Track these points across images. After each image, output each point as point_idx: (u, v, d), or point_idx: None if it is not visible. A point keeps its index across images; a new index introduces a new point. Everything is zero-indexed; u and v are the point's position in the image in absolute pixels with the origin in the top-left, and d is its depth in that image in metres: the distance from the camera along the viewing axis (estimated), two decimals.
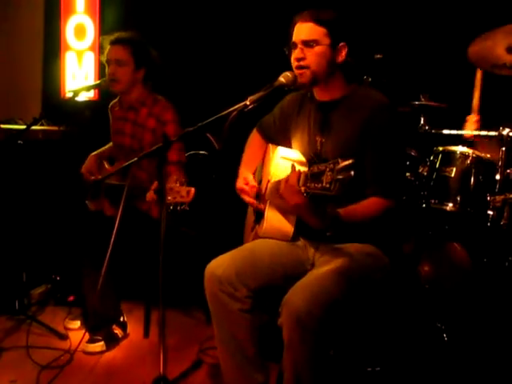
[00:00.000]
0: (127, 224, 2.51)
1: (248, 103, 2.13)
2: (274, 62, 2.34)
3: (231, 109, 2.12)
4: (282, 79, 2.21)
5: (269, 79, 2.23)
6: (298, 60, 2.23)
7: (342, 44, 2.24)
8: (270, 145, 2.59)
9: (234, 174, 2.59)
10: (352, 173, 1.75)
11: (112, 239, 2.28)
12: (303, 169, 2.23)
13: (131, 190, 2.82)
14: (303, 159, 2.34)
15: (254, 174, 2.61)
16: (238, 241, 2.60)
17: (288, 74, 2.23)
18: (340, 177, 1.75)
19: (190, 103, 3.50)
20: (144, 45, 3.21)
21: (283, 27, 2.30)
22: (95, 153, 3.43)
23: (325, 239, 2.27)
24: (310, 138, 2.35)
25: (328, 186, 1.78)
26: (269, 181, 2.40)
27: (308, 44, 2.21)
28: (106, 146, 3.48)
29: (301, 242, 2.40)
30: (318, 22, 2.21)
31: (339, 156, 1.96)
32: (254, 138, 2.70)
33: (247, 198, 2.48)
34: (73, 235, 3.09)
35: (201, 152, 3.25)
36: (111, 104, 3.41)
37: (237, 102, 2.14)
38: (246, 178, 2.52)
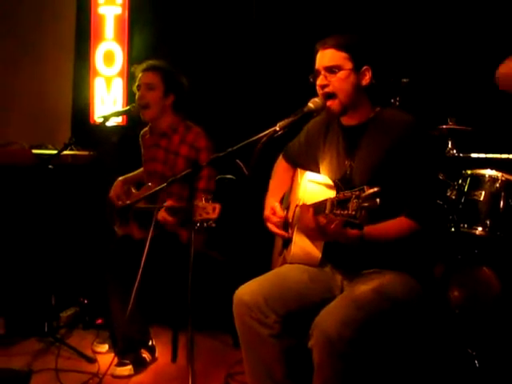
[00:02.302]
0: (156, 248, 2.52)
1: (277, 129, 2.15)
2: (303, 88, 2.35)
3: (261, 134, 2.14)
4: (311, 105, 2.23)
5: (298, 105, 2.25)
6: (322, 87, 2.24)
7: (365, 67, 2.24)
8: (299, 169, 2.60)
9: (262, 200, 2.60)
10: (378, 200, 1.75)
11: (142, 263, 2.31)
12: (331, 193, 2.26)
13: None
14: (331, 183, 2.34)
15: (281, 201, 2.63)
16: (267, 266, 2.60)
17: (317, 99, 2.25)
18: (366, 204, 1.76)
19: (219, 129, 3.53)
20: (174, 71, 3.27)
21: (310, 53, 2.32)
22: (122, 178, 3.47)
23: (353, 265, 2.27)
24: (338, 163, 2.36)
25: (354, 213, 1.79)
26: (297, 205, 2.41)
27: (330, 70, 2.22)
28: (134, 172, 3.53)
29: (328, 268, 2.40)
30: (339, 47, 2.22)
31: (368, 180, 2.00)
32: (281, 165, 2.71)
33: (274, 229, 2.48)
34: (101, 259, 3.13)
35: (227, 176, 3.26)
36: (142, 132, 3.46)
37: (266, 127, 2.16)
38: (273, 208, 2.52)
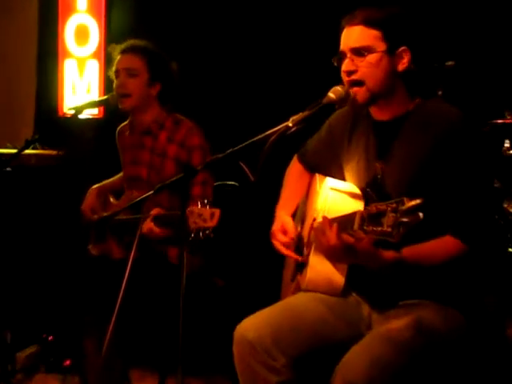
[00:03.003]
0: (140, 270, 2.53)
1: (290, 125, 2.15)
2: (323, 73, 2.37)
3: (270, 131, 2.15)
4: (331, 95, 2.23)
5: (316, 95, 2.26)
6: (348, 74, 2.24)
7: (402, 48, 2.24)
8: (317, 175, 2.61)
9: (271, 212, 2.63)
10: (421, 215, 1.75)
11: (122, 289, 2.33)
12: (359, 205, 2.27)
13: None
14: (358, 192, 2.35)
15: (294, 213, 2.65)
16: (275, 294, 2.62)
17: (339, 88, 2.24)
18: (405, 220, 1.76)
19: (217, 125, 3.60)
20: (161, 54, 3.30)
21: (333, 30, 2.34)
22: (97, 186, 3.49)
23: (384, 295, 2.28)
24: (367, 166, 2.36)
25: (390, 230, 1.79)
26: (315, 219, 2.42)
27: (358, 52, 2.22)
28: (112, 179, 3.56)
29: (353, 298, 2.40)
30: (369, 23, 2.21)
31: (405, 189, 2.01)
32: (295, 170, 2.73)
33: (282, 249, 2.50)
34: (71, 285, 3.14)
35: (229, 183, 3.28)
36: (119, 128, 3.48)
37: (276, 123, 2.18)
38: (284, 225, 2.54)
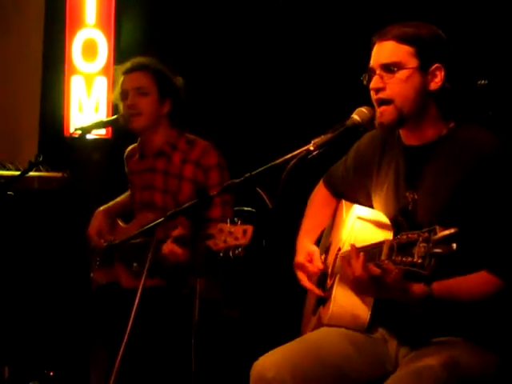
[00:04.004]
0: (151, 300, 2.55)
1: (312, 148, 2.18)
2: (347, 94, 2.39)
3: (290, 155, 2.17)
4: (355, 117, 2.26)
5: (340, 116, 2.29)
6: (376, 91, 2.24)
7: (435, 66, 2.23)
8: (344, 201, 2.62)
9: (291, 241, 2.64)
10: (454, 246, 1.75)
11: (130, 320, 2.32)
12: (387, 235, 2.27)
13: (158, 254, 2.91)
14: (387, 222, 2.35)
15: (318, 241, 2.66)
16: (294, 328, 2.61)
17: (363, 109, 2.27)
18: (438, 250, 1.76)
19: (233, 147, 3.61)
20: (167, 72, 3.34)
21: (363, 47, 2.36)
22: (104, 207, 3.50)
23: (414, 331, 2.28)
24: (397, 194, 2.35)
25: (421, 261, 1.79)
26: (340, 249, 2.42)
27: (388, 68, 2.22)
28: (118, 199, 3.57)
29: (379, 334, 2.39)
30: (402, 38, 2.21)
31: (437, 219, 1.98)
32: (320, 195, 2.74)
33: (306, 283, 2.51)
34: (76, 316, 3.14)
35: (245, 209, 3.29)
36: (127, 152, 3.51)
37: (296, 146, 2.20)
38: (310, 254, 2.54)
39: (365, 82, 2.29)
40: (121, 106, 3.33)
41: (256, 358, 2.31)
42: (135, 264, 3.17)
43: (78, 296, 3.39)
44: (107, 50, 4.46)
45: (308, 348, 2.33)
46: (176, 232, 2.94)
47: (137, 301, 2.34)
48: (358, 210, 2.40)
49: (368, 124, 2.26)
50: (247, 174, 2.24)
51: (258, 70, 4.14)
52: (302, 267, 2.52)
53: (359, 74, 2.30)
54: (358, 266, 2.09)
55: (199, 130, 3.40)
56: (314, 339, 2.39)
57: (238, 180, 2.26)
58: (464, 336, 2.24)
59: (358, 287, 2.16)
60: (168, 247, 2.95)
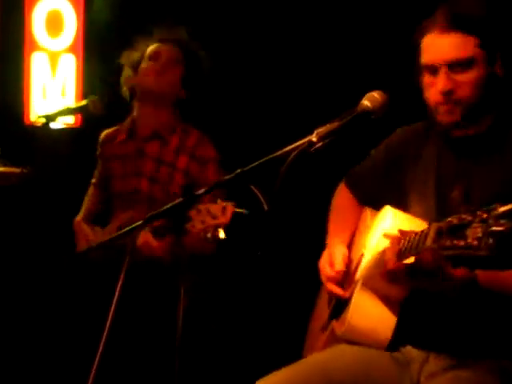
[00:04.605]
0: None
1: (315, 139, 2.16)
2: (356, 80, 2.37)
3: (289, 148, 2.16)
4: (366, 103, 2.24)
5: (347, 104, 2.27)
6: (447, 94, 2.26)
7: (498, 54, 2.28)
8: (368, 209, 2.65)
9: (291, 248, 2.62)
10: None
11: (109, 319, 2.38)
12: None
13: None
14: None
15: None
16: (298, 349, 2.61)
17: (375, 94, 2.25)
18: (498, 229, 1.76)
19: (226, 139, 3.60)
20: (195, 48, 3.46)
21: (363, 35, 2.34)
22: (81, 217, 3.51)
23: (441, 347, 2.28)
24: (441, 190, 2.36)
25: (476, 243, 1.79)
26: (362, 255, 2.46)
27: (458, 66, 2.24)
28: (87, 202, 3.57)
29: (401, 354, 2.38)
30: (468, 28, 2.22)
31: None
32: (343, 196, 2.76)
33: (333, 287, 2.49)
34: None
35: (238, 210, 3.28)
36: (104, 135, 3.52)
37: (298, 138, 2.17)
38: (331, 255, 2.55)
39: (419, 84, 2.32)
40: (127, 73, 3.42)
41: (252, 381, 2.31)
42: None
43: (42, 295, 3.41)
44: (76, 24, 4.42)
45: (315, 371, 2.33)
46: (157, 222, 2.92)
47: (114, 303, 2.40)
48: (385, 221, 2.40)
49: (380, 111, 2.24)
50: (239, 170, 2.22)
51: (252, 53, 4.18)
52: (321, 271, 2.54)
53: (370, 58, 2.30)
54: (391, 256, 2.12)
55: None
56: (323, 360, 2.38)
57: (227, 177, 2.24)
58: (496, 355, 2.24)
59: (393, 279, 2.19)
60: (142, 237, 2.97)
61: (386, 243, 2.25)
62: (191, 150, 3.32)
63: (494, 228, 1.76)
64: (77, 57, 4.42)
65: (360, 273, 2.42)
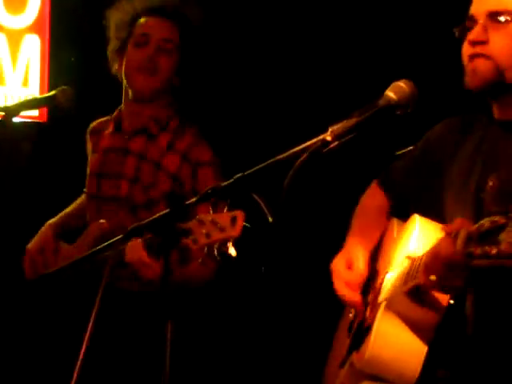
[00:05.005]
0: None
1: (329, 138, 2.09)
2: (377, 70, 2.29)
3: (298, 148, 2.10)
4: (390, 94, 2.17)
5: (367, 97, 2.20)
6: (474, 44, 2.24)
7: None
8: (395, 220, 2.61)
9: (298, 266, 2.56)
10: None
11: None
12: None
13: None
14: None
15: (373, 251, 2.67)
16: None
17: (401, 84, 2.19)
18: None
19: (224, 136, 3.58)
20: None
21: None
22: (54, 221, 3.46)
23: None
24: (478, 181, 2.32)
25: (509, 250, 1.78)
26: (387, 272, 2.47)
27: (497, 18, 2.22)
28: (68, 209, 3.53)
29: None
30: None
31: None
32: (374, 197, 2.73)
33: (351, 294, 2.46)
34: None
35: None
36: (94, 125, 3.49)
37: (307, 136, 2.11)
38: (351, 259, 2.52)
39: (457, 35, 2.28)
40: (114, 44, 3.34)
41: None
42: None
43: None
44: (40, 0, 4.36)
45: None
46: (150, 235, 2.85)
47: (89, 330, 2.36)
48: (411, 243, 2.37)
49: (408, 104, 2.18)
50: (239, 175, 2.16)
51: (257, 46, 4.17)
52: (336, 273, 2.51)
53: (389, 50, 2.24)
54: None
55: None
56: None
57: (225, 183, 2.19)
58: None
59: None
60: (136, 253, 2.86)
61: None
62: (184, 150, 3.24)
63: None
64: (42, 38, 4.34)
65: (384, 294, 2.38)
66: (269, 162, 2.12)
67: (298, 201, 2.14)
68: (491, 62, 2.23)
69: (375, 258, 2.65)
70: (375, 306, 2.40)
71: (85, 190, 3.47)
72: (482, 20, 2.23)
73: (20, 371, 3.25)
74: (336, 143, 2.09)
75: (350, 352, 2.49)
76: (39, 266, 3.34)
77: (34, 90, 4.29)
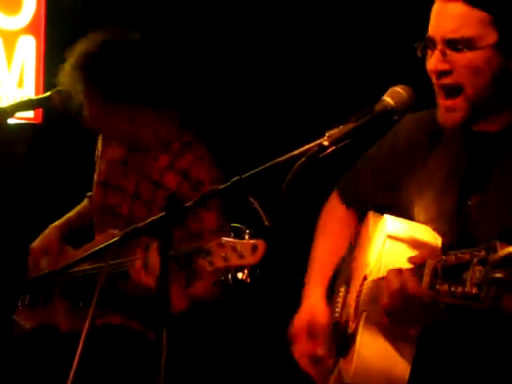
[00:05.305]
0: (101, 346, 2.57)
1: (326, 143, 2.08)
2: (376, 76, 2.29)
3: (295, 152, 2.09)
4: (388, 100, 2.16)
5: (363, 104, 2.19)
6: (439, 75, 2.22)
7: None
8: (372, 214, 2.58)
9: (294, 269, 2.56)
10: None
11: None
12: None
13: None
14: (431, 239, 2.30)
15: (334, 275, 2.60)
16: None
17: (399, 89, 2.18)
18: (498, 275, 1.72)
19: (224, 144, 3.59)
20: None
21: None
22: (60, 223, 3.46)
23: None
24: (451, 196, 2.31)
25: (476, 291, 1.76)
26: (365, 277, 2.41)
27: (456, 46, 2.18)
28: (72, 213, 3.53)
29: None
30: (474, 1, 2.15)
31: (503, 235, 1.92)
32: (333, 210, 2.71)
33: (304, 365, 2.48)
34: None
35: (234, 225, 3.26)
36: None
37: (306, 141, 2.10)
38: (313, 313, 2.49)
39: (419, 54, 2.25)
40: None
41: None
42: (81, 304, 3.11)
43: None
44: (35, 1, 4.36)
45: None
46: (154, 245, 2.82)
47: (79, 350, 2.22)
48: (388, 224, 2.36)
49: (405, 109, 2.18)
50: (236, 178, 2.14)
51: (254, 51, 4.20)
52: (296, 339, 2.50)
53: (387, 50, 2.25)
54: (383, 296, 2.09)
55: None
56: None
57: (222, 186, 2.17)
58: None
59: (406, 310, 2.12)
60: (152, 258, 2.81)
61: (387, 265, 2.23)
62: (184, 168, 3.23)
63: (496, 275, 1.74)
64: (37, 39, 4.36)
65: (363, 302, 2.36)
66: (266, 165, 2.10)
67: (295, 205, 2.14)
68: (462, 98, 2.20)
69: (351, 253, 2.63)
70: (357, 315, 2.37)
71: (88, 194, 3.48)
72: (440, 46, 2.20)
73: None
74: (333, 148, 2.07)
75: (337, 355, 2.48)
76: (42, 265, 3.35)
77: (29, 92, 4.31)
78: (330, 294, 2.59)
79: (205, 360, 3.34)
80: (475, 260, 1.77)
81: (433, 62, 2.21)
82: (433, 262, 1.95)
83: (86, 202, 3.52)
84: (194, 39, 4.23)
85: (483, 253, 1.77)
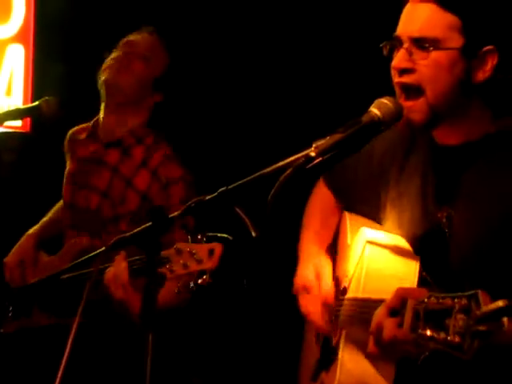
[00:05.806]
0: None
1: (313, 154, 2.07)
2: (366, 85, 2.29)
3: (282, 163, 2.08)
4: (375, 111, 2.17)
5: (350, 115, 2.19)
6: (401, 72, 2.21)
7: (487, 48, 2.19)
8: (348, 218, 2.59)
9: (281, 279, 2.57)
10: (505, 322, 1.69)
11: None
12: (411, 267, 2.24)
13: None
14: (409, 247, 2.32)
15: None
16: None
17: (385, 101, 2.19)
18: (481, 328, 1.71)
19: (205, 154, 3.62)
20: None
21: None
22: (35, 231, 3.44)
23: None
24: (424, 212, 2.32)
25: (458, 340, 1.74)
26: (345, 289, 2.42)
27: (422, 44, 2.18)
28: (47, 217, 3.51)
29: None
30: (446, 3, 2.15)
31: (476, 254, 2.05)
32: (322, 198, 2.73)
33: (312, 315, 2.45)
34: None
35: (219, 235, 3.24)
36: (72, 131, 3.48)
37: (292, 152, 2.10)
38: (318, 269, 2.50)
39: (385, 53, 2.28)
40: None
41: None
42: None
43: None
44: (25, 8, 4.34)
45: None
46: (119, 258, 2.84)
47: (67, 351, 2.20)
48: (367, 231, 2.37)
49: (392, 121, 2.19)
50: (223, 189, 2.13)
51: (243, 57, 4.22)
52: (309, 289, 2.49)
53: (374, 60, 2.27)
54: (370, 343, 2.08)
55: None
56: None
57: (209, 196, 2.15)
58: None
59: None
60: (117, 267, 2.82)
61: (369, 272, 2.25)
62: (154, 167, 3.25)
63: (478, 327, 1.72)
64: (26, 47, 4.35)
65: (343, 321, 2.36)
66: (252, 176, 2.10)
67: (282, 216, 2.13)
68: (423, 100, 2.20)
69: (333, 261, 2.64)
70: (337, 328, 2.40)
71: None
72: (406, 44, 2.20)
73: None
74: (320, 159, 2.07)
75: (320, 367, 2.49)
76: (19, 278, 3.34)
77: (17, 100, 4.31)
78: None
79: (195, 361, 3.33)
80: (457, 307, 1.76)
81: (397, 59, 2.22)
82: (413, 303, 1.92)
83: (60, 203, 3.50)
84: (181, 44, 4.18)
85: (465, 301, 1.76)
